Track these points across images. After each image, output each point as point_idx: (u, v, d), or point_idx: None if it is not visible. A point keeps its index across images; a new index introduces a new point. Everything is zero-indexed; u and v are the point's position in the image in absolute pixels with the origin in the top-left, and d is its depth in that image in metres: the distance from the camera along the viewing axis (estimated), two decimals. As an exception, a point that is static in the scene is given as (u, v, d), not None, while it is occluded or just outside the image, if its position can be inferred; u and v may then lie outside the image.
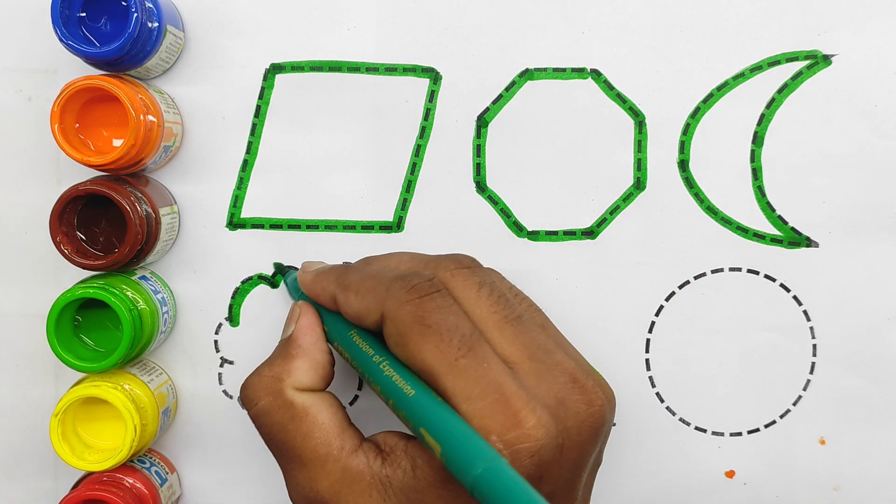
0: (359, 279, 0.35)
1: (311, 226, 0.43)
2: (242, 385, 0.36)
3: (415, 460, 0.32)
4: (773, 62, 0.42)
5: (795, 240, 0.43)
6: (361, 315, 0.34)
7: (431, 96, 0.42)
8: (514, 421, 0.30)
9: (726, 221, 0.43)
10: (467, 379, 0.30)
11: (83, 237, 0.40)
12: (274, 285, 0.43)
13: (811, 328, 0.43)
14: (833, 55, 0.42)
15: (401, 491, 0.32)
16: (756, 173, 0.43)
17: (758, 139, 0.42)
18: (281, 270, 0.42)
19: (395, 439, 0.33)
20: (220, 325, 0.43)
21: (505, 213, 0.43)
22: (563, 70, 0.42)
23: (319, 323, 0.37)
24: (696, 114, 0.42)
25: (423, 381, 0.31)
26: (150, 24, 0.38)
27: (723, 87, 0.42)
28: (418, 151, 0.42)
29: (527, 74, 0.42)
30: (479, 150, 0.43)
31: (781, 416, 0.43)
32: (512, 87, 0.42)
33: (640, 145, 0.42)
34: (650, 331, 0.43)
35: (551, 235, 0.43)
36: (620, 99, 0.42)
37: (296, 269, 0.42)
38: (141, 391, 0.40)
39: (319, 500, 0.33)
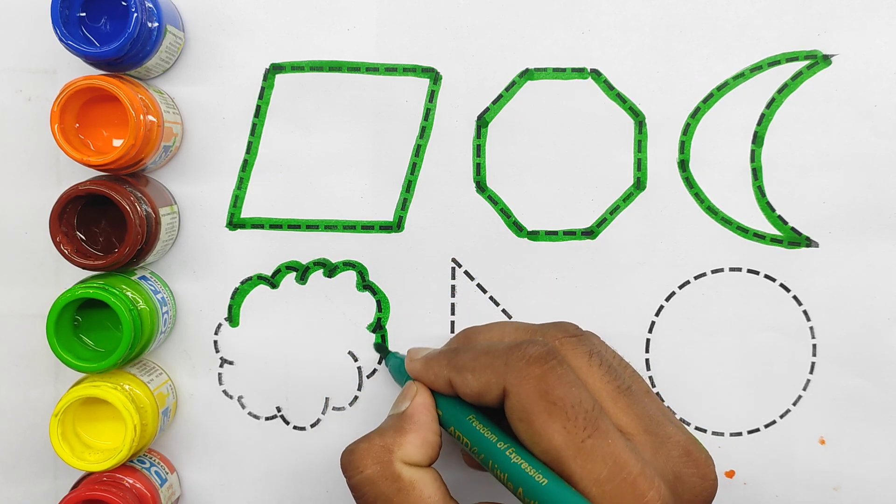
0: (472, 357, 0.35)
1: (311, 226, 0.43)
2: (347, 450, 0.35)
3: None
4: (773, 62, 0.42)
5: (795, 240, 0.43)
6: (482, 393, 0.34)
7: (431, 96, 0.42)
8: (640, 501, 0.30)
9: (726, 221, 0.43)
10: (595, 461, 0.31)
11: (83, 237, 0.40)
12: (274, 286, 0.43)
13: (811, 328, 0.43)
14: (833, 55, 0.42)
15: None
16: (756, 173, 0.42)
17: (758, 139, 0.42)
18: (383, 353, 0.43)
19: None
20: (219, 326, 0.43)
21: (505, 213, 0.43)
22: (563, 70, 0.42)
23: (434, 405, 0.36)
24: (696, 114, 0.42)
25: (546, 459, 0.32)
26: (150, 24, 0.38)
27: (723, 87, 0.42)
28: (418, 151, 0.42)
29: (527, 74, 0.42)
30: (479, 150, 0.43)
31: (781, 416, 0.43)
32: (512, 87, 0.42)
33: (640, 145, 0.42)
34: (650, 331, 0.43)
35: (551, 235, 0.43)
36: (620, 99, 0.42)
37: (397, 353, 0.42)
38: (141, 391, 0.40)
39: None
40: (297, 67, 0.42)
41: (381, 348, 0.43)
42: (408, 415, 0.36)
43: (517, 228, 0.43)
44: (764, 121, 0.42)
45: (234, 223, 0.42)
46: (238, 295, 0.43)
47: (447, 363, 0.36)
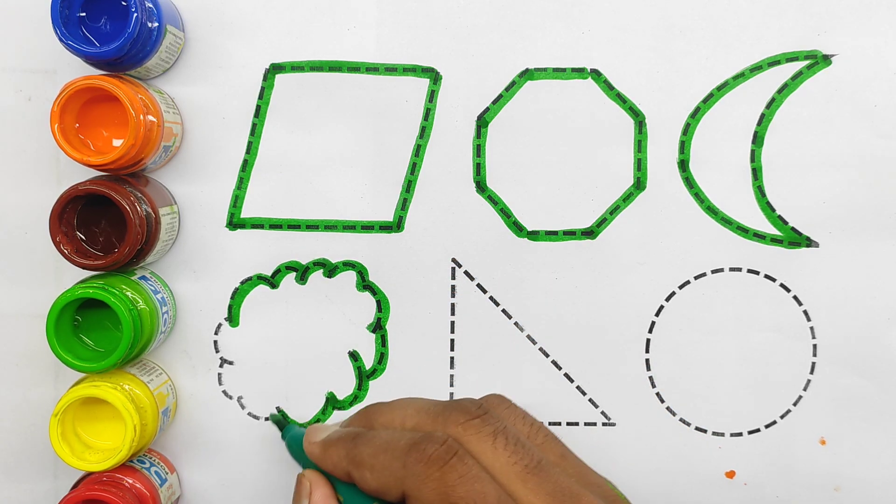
0: (371, 453, 0.33)
1: (311, 226, 0.43)
2: None
3: None
4: (773, 62, 0.42)
5: (795, 240, 0.43)
6: (381, 492, 0.33)
7: (431, 96, 0.42)
8: None
9: (726, 221, 0.43)
10: None
11: (83, 237, 0.40)
12: (274, 286, 0.43)
13: (811, 328, 0.43)
14: (833, 55, 0.42)
15: None
16: (756, 173, 0.43)
17: (758, 139, 0.42)
18: (280, 425, 0.40)
19: None
20: (219, 326, 0.43)
21: (505, 213, 0.43)
22: (563, 70, 0.42)
23: (333, 495, 0.35)
24: (696, 114, 0.42)
25: None
26: (150, 24, 0.38)
27: (723, 87, 0.42)
28: (418, 151, 0.42)
29: (527, 74, 0.42)
30: (479, 150, 0.43)
31: (781, 416, 0.43)
32: (512, 87, 0.42)
33: (640, 145, 0.42)
34: (650, 331, 0.43)
35: (551, 235, 0.43)
36: (620, 99, 0.42)
37: (296, 423, 0.41)
38: (141, 391, 0.40)
39: None
40: (297, 67, 0.42)
41: (279, 422, 0.40)
42: None
43: (517, 228, 0.43)
44: (764, 121, 0.42)
45: (234, 223, 0.42)
46: (238, 295, 0.43)
47: (346, 454, 0.34)
